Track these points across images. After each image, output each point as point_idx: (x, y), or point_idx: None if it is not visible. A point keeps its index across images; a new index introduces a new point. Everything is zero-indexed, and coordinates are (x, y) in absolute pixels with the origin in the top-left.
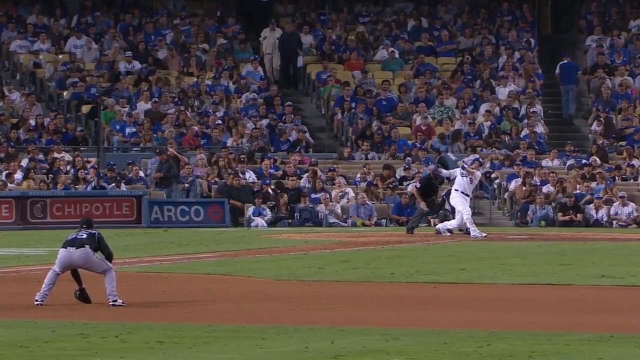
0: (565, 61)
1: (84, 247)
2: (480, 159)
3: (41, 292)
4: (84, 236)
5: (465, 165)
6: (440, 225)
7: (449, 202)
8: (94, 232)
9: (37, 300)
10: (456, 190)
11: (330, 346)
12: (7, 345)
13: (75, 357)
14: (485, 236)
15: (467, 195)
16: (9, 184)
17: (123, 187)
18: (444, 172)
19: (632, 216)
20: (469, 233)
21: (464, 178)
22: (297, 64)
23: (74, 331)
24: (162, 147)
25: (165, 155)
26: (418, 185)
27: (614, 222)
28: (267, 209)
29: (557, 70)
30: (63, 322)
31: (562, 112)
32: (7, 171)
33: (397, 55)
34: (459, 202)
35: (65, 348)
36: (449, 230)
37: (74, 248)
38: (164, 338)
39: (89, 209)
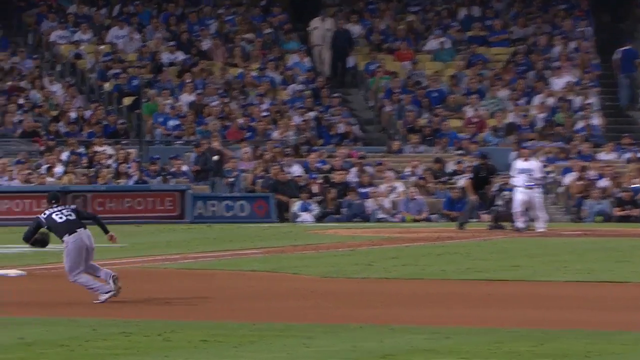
0: (627, 47)
1: (84, 228)
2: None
3: (97, 290)
4: (73, 216)
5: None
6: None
7: (504, 198)
8: (73, 207)
9: (103, 300)
10: (518, 185)
11: (379, 345)
12: (47, 344)
13: (117, 357)
14: (527, 229)
15: (533, 187)
16: (49, 178)
17: (166, 181)
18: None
19: None
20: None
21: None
22: (348, 64)
23: (116, 329)
24: (201, 140)
25: (204, 148)
26: (471, 176)
27: None
28: (314, 204)
29: (617, 56)
30: (104, 320)
31: (619, 103)
32: (47, 165)
33: (448, 46)
34: (516, 195)
35: (106, 347)
36: (540, 228)
37: (83, 228)
38: (208, 337)
39: (131, 203)
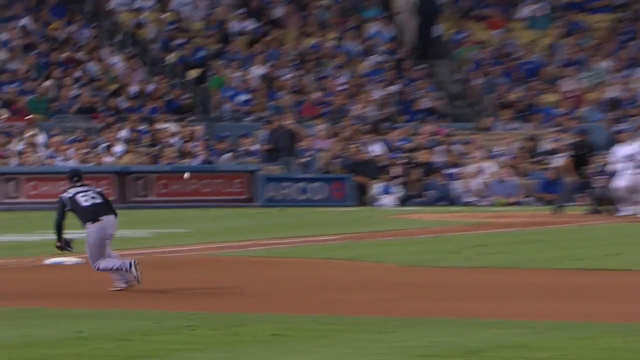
0: None
1: (112, 214)
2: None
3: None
4: (100, 199)
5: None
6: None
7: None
8: (99, 190)
9: (121, 287)
10: (621, 170)
11: (462, 340)
12: (104, 338)
13: (180, 352)
14: (634, 215)
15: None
16: (108, 158)
17: (234, 161)
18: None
19: None
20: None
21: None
22: (434, 33)
23: (180, 322)
24: (273, 116)
25: (276, 125)
26: (572, 154)
27: None
28: (396, 186)
29: None
30: (167, 312)
31: None
32: (105, 143)
33: (543, 12)
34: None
35: (169, 341)
36: None
37: (109, 215)
38: (279, 331)
39: (197, 186)
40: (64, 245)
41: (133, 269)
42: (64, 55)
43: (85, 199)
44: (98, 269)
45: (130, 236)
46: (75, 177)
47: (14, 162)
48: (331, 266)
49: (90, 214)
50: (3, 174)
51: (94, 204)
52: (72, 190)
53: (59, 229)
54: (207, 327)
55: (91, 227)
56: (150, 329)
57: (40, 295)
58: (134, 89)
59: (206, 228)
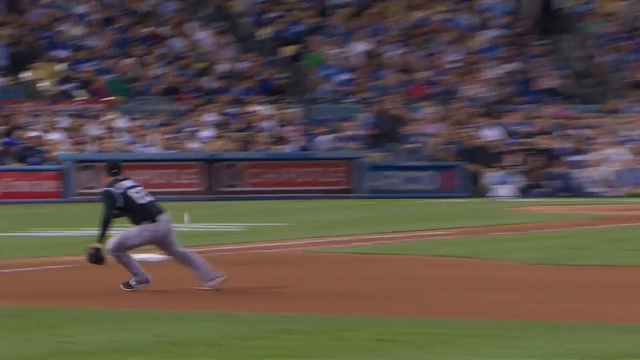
0: None
1: (165, 211)
2: None
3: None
4: (151, 196)
5: None
6: None
7: None
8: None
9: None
10: None
11: (595, 348)
12: (193, 343)
13: (277, 359)
14: None
15: None
16: (194, 144)
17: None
18: None
19: None
20: None
21: None
22: (556, 5)
23: (277, 326)
24: (376, 98)
25: (380, 108)
26: None
27: None
28: (513, 175)
29: None
30: (263, 314)
31: None
32: (192, 128)
33: None
34: None
35: (266, 347)
36: None
37: (164, 213)
38: (387, 336)
39: (292, 175)
40: (98, 254)
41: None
42: (146, 30)
43: (139, 195)
44: (118, 257)
45: (221, 230)
46: (115, 168)
47: (91, 148)
48: (444, 264)
49: (147, 213)
50: (80, 161)
51: (150, 202)
52: (122, 185)
53: (106, 226)
54: (306, 331)
55: (149, 227)
56: (245, 333)
57: (122, 295)
58: (223, 67)
59: (303, 222)
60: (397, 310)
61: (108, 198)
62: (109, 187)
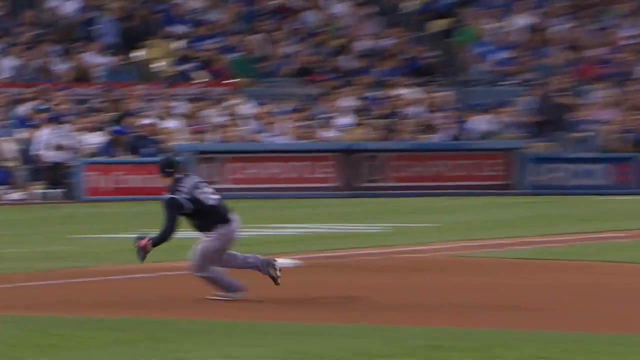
0: None
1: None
2: None
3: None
4: (217, 194)
5: None
6: None
7: None
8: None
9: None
10: None
11: None
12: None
13: None
14: None
15: None
16: (330, 133)
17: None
18: None
19: None
20: None
21: None
22: None
23: (425, 342)
24: (541, 80)
25: (545, 91)
26: None
27: None
28: None
29: None
30: (410, 327)
31: None
32: (327, 114)
33: None
34: None
35: None
36: None
37: (234, 213)
38: (550, 353)
39: (443, 168)
40: (144, 256)
41: (272, 270)
42: (276, 2)
43: (205, 196)
44: (207, 278)
45: (360, 231)
46: (169, 167)
47: (212, 138)
48: (621, 271)
49: (220, 215)
50: (200, 152)
51: (219, 201)
52: (185, 186)
53: (166, 240)
54: (456, 348)
55: (224, 232)
56: (387, 350)
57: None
58: (363, 44)
59: (456, 222)
60: (567, 323)
61: (173, 207)
62: (172, 192)
